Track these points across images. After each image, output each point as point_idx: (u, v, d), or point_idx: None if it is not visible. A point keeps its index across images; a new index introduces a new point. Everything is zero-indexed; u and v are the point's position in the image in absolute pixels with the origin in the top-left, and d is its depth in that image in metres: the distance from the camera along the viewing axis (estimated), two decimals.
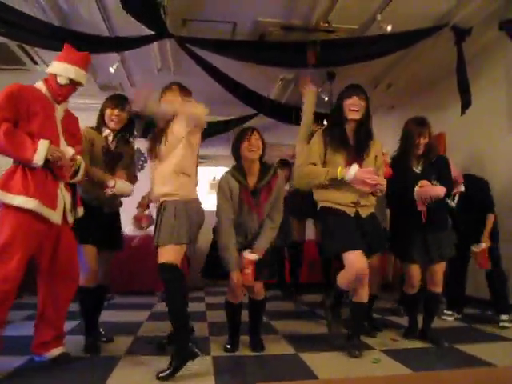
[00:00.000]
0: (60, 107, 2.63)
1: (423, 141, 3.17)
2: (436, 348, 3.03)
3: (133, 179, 3.17)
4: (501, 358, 2.78)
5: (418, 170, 3.23)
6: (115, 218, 3.18)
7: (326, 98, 5.51)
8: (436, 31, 4.21)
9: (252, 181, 2.91)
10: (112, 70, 4.90)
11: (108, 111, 3.08)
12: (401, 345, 3.13)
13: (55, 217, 2.48)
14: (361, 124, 2.97)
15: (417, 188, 3.06)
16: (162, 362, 2.53)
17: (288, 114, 5.75)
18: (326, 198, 2.97)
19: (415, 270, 3.19)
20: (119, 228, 3.20)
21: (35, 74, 4.95)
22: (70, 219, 2.63)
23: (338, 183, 2.86)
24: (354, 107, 2.91)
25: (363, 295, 2.90)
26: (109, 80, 5.70)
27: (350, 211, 2.91)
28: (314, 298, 5.02)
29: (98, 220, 2.93)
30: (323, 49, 4.20)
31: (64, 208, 2.56)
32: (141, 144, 6.15)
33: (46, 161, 2.41)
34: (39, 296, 2.59)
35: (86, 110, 4.15)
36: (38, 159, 2.38)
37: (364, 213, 2.95)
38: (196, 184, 3.01)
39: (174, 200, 2.58)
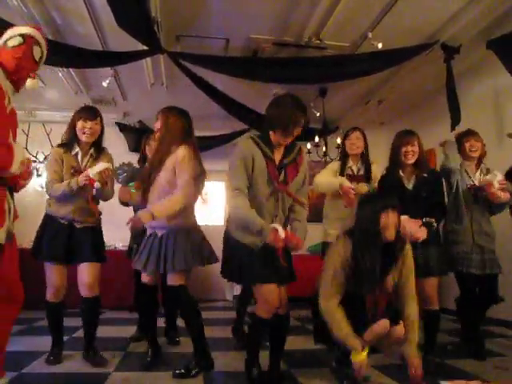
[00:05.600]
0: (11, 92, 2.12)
1: (411, 148, 3.03)
2: (426, 363, 2.97)
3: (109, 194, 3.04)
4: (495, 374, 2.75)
5: (409, 186, 3.06)
6: (93, 233, 2.97)
7: (318, 114, 5.56)
8: (426, 49, 4.28)
9: (277, 157, 2.53)
10: (105, 84, 4.91)
11: (80, 124, 2.91)
12: (391, 360, 3.09)
13: (1, 235, 2.01)
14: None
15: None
16: (151, 379, 2.50)
17: None
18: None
19: None
20: (99, 243, 3.04)
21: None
22: (12, 228, 2.15)
23: None
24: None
25: None
26: (102, 94, 5.72)
27: None
28: (305, 313, 4.98)
29: (66, 237, 2.85)
30: (316, 65, 4.26)
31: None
32: (131, 157, 6.23)
33: None
34: None
35: None
36: (15, 168, 1.99)
37: None
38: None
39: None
